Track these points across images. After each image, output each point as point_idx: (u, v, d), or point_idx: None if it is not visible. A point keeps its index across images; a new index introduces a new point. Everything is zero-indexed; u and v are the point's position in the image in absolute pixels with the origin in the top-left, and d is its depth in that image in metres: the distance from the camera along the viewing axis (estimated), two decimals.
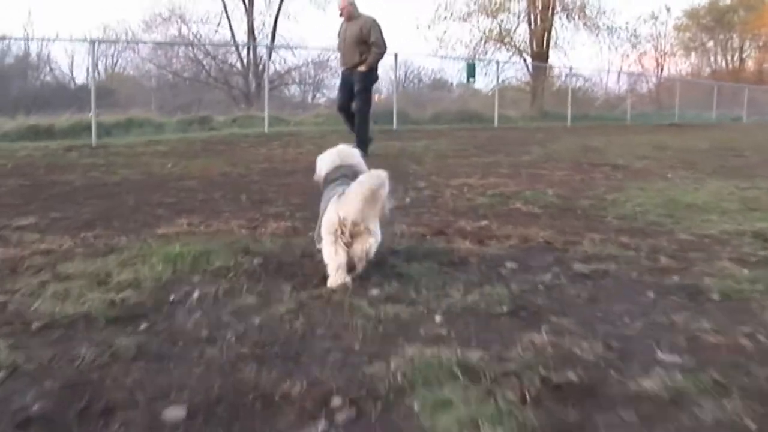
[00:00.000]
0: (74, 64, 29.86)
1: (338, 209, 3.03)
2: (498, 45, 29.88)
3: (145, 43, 28.67)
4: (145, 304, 2.86)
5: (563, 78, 26.38)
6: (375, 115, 18.60)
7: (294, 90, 32.42)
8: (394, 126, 16.18)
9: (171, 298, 2.94)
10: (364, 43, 9.76)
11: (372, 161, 8.69)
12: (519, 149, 11.44)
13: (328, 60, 26.50)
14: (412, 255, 3.73)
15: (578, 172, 8.31)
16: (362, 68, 9.77)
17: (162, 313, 2.76)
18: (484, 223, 4.77)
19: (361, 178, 3.05)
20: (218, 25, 32.01)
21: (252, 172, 8.12)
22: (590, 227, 4.74)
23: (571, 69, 23.77)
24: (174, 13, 31.09)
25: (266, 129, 14.46)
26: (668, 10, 63.16)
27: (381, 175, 3.01)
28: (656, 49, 43.91)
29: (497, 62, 21.94)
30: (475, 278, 3.28)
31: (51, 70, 29.16)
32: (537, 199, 5.95)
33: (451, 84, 30.01)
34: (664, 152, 11.43)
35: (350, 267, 3.16)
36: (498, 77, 21.05)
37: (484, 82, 25.25)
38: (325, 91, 30.08)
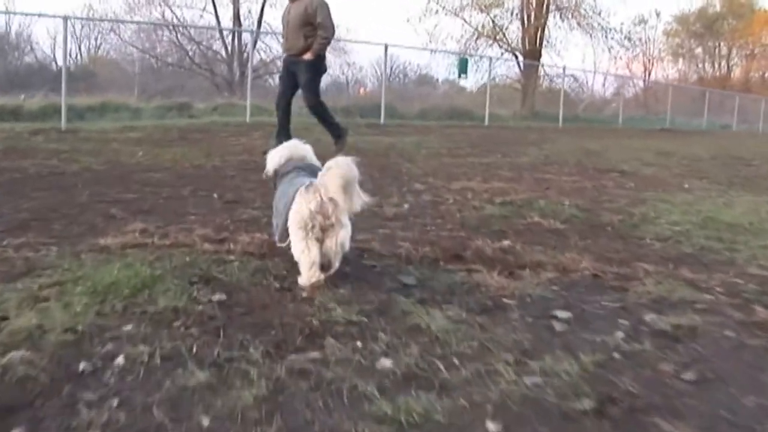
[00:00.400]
0: (56, 45, 28.49)
1: (310, 200, 2.68)
2: (490, 42, 28.57)
3: (122, 22, 27.26)
4: (37, 380, 1.80)
5: (555, 78, 25.26)
6: (361, 108, 17.68)
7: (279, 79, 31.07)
8: (382, 120, 15.14)
9: (80, 368, 1.88)
10: (310, 25, 8.19)
11: (361, 156, 7.66)
12: (515, 150, 10.43)
13: None
14: (428, 293, 2.70)
15: (586, 177, 7.33)
16: (308, 56, 8.22)
17: (59, 400, 1.69)
18: (505, 243, 3.75)
19: (330, 163, 2.71)
20: (203, 10, 30.60)
21: (228, 164, 7.06)
22: (634, 253, 3.75)
23: (564, 69, 22.60)
24: None
25: (248, 118, 13.37)
26: (658, 14, 61.99)
27: (348, 162, 2.68)
28: (644, 54, 42.85)
29: (490, 59, 20.75)
30: (525, 339, 2.25)
31: (32, 50, 27.84)
32: (555, 211, 4.96)
33: (437, 80, 28.89)
34: (668, 159, 10.48)
35: (325, 265, 2.73)
36: (490, 74, 19.90)
37: (474, 78, 23.96)
38: None
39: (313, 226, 2.68)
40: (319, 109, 8.53)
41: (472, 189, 5.91)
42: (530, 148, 10.97)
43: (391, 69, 28.46)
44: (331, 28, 8.32)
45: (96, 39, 31.28)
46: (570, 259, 3.44)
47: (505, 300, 2.69)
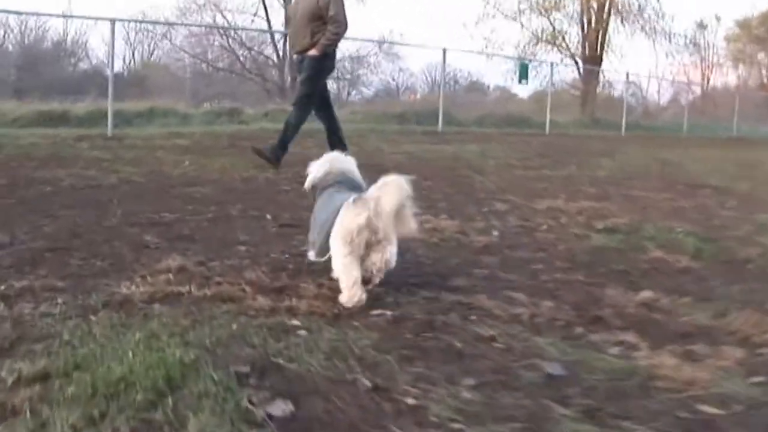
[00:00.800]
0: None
1: (359, 214, 2.46)
2: (549, 47, 27.10)
3: (172, 24, 26.65)
4: None
5: (615, 84, 23.75)
6: (417, 115, 16.73)
7: (330, 85, 30.33)
8: (440, 128, 14.21)
9: None
10: (320, 20, 6.92)
11: (425, 168, 6.69)
12: (587, 161, 9.39)
13: (366, 56, 24.34)
14: (590, 394, 1.76)
15: (678, 194, 6.32)
16: (313, 52, 6.95)
17: None
18: (646, 295, 2.78)
19: (386, 179, 2.47)
20: (254, 15, 29.86)
21: (281, 176, 6.18)
22: None
23: (627, 75, 21.12)
24: (209, 1, 28.86)
25: None
26: (719, 19, 59.20)
27: (403, 181, 2.44)
28: (703, 59, 40.45)
29: (551, 64, 19.33)
30: None
31: (87, 56, 27.62)
32: (672, 242, 4.00)
33: (488, 87, 27.74)
34: (754, 171, 9.36)
35: (366, 280, 2.54)
36: (551, 80, 18.60)
37: (532, 84, 22.48)
38: (362, 88, 27.93)
39: (358, 243, 2.48)
40: (300, 112, 7.30)
41: (561, 210, 4.98)
42: (601, 158, 9.91)
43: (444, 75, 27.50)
44: (343, 23, 7.06)
45: (149, 45, 30.91)
46: (744, 322, 2.48)
47: (705, 408, 1.73)
